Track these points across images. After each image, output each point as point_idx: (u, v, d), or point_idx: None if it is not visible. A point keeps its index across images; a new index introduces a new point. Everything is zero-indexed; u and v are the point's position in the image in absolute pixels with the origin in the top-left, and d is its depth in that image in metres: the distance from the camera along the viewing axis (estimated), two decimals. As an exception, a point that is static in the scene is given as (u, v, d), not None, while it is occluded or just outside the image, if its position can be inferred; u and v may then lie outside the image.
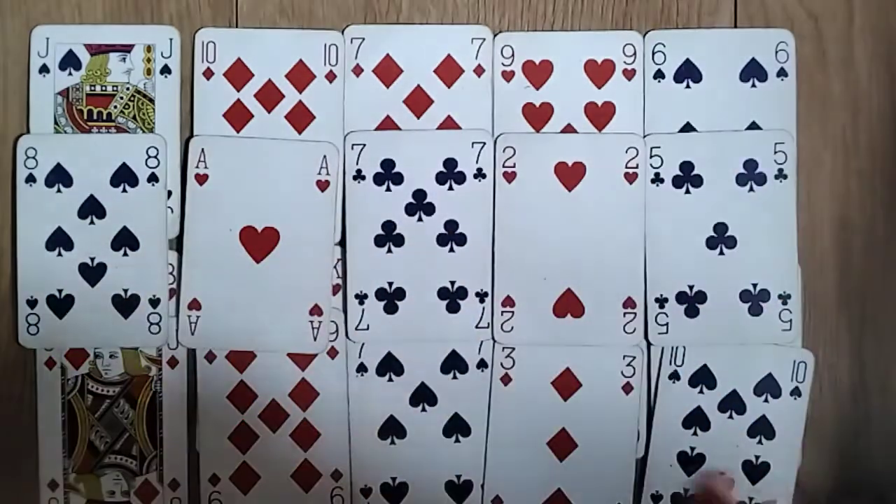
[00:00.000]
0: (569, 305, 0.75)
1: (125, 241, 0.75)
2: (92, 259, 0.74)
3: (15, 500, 0.76)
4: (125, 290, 0.75)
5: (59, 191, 0.74)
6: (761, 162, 0.75)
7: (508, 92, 0.76)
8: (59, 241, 0.74)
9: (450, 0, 0.77)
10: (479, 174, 0.75)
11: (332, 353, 0.75)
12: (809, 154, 0.77)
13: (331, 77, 0.76)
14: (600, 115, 0.76)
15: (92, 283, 0.75)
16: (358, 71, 0.76)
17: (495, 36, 0.76)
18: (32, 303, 0.74)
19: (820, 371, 0.77)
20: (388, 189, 0.75)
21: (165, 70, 0.76)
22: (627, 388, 0.76)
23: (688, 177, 0.75)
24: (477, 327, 0.75)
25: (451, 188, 0.75)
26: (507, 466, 0.76)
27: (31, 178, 0.74)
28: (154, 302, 0.75)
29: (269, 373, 0.76)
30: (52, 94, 0.75)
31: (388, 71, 0.76)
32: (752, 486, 0.76)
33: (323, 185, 0.75)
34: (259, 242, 0.75)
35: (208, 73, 0.76)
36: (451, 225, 0.75)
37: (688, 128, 0.76)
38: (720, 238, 0.75)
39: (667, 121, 0.76)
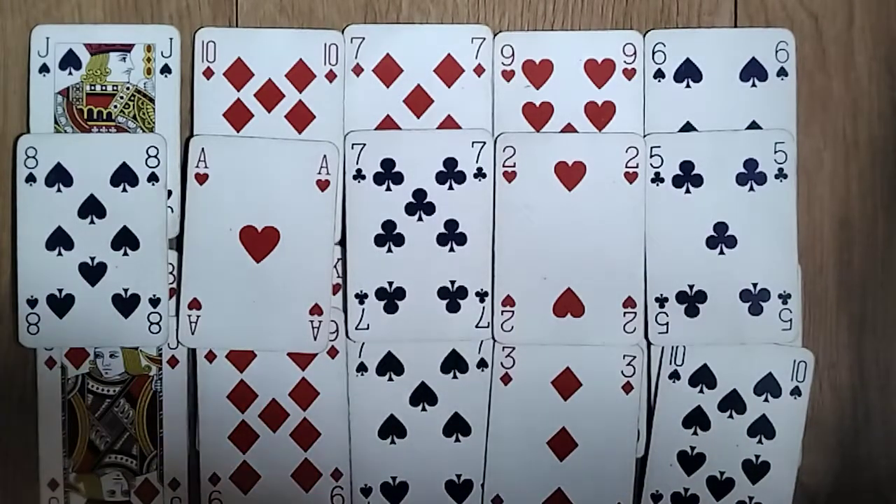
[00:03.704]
0: (569, 305, 0.75)
1: (125, 240, 0.75)
2: (92, 258, 0.74)
3: (15, 500, 0.76)
4: (125, 290, 0.75)
5: (59, 190, 0.74)
6: (761, 162, 0.75)
7: (508, 91, 0.76)
8: (60, 240, 0.74)
9: (450, 0, 0.77)
10: (480, 174, 0.75)
11: (332, 352, 0.75)
12: (809, 154, 0.77)
13: (331, 77, 0.76)
14: (600, 114, 0.76)
15: (92, 283, 0.75)
16: (358, 70, 0.76)
17: (495, 35, 0.76)
18: (32, 302, 0.74)
19: (820, 371, 0.77)
20: (389, 189, 0.75)
21: (165, 70, 0.76)
22: (627, 388, 0.76)
23: (688, 176, 0.75)
24: (477, 327, 0.75)
25: (451, 188, 0.75)
26: (507, 466, 0.76)
27: (31, 178, 0.74)
28: (154, 301, 0.75)
29: (269, 372, 0.76)
30: (53, 93, 0.75)
31: (388, 70, 0.76)
32: (752, 486, 0.76)
33: (323, 185, 0.75)
34: (259, 242, 0.75)
35: (208, 73, 0.76)
36: (451, 224, 0.75)
37: (688, 127, 0.76)
38: (720, 238, 0.75)
39: (667, 120, 0.76)
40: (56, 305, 0.74)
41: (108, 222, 0.75)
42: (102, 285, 0.75)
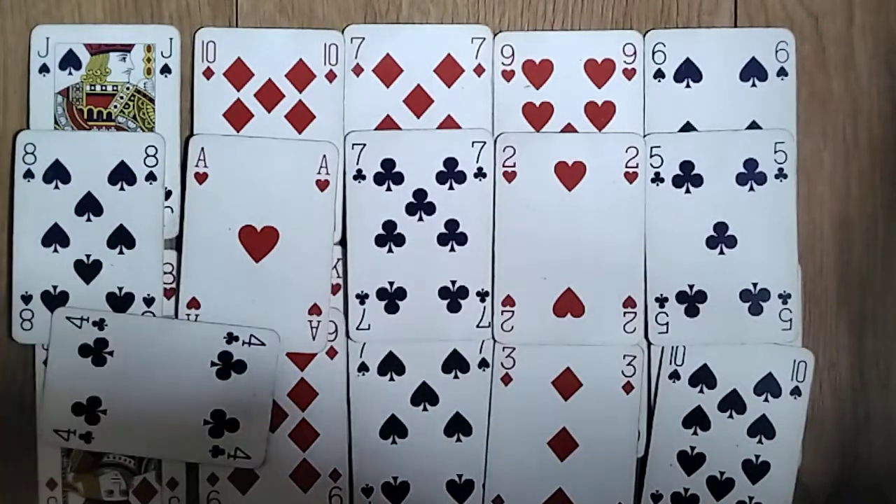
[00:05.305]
0: (569, 305, 0.75)
1: (121, 239, 0.74)
2: (87, 256, 0.74)
3: (14, 500, 0.76)
4: (120, 289, 0.74)
5: (56, 187, 0.74)
6: (761, 161, 0.75)
7: (508, 91, 0.76)
8: (56, 237, 0.74)
9: (450, 0, 0.77)
10: (480, 174, 0.75)
11: (332, 352, 0.75)
12: (809, 154, 0.77)
13: (331, 77, 0.76)
14: (600, 114, 0.76)
15: (87, 281, 0.74)
16: (358, 70, 0.76)
17: (495, 35, 0.76)
18: (27, 298, 0.74)
19: (820, 371, 0.77)
20: (389, 189, 0.75)
21: (165, 70, 0.76)
22: (628, 388, 0.76)
23: (688, 176, 0.76)
24: (478, 327, 0.75)
25: (451, 188, 0.75)
26: (508, 466, 0.76)
27: (29, 174, 0.74)
28: (148, 301, 0.74)
29: (268, 372, 0.75)
30: (53, 93, 0.75)
31: (388, 70, 0.76)
32: (752, 486, 0.76)
33: (323, 185, 0.75)
34: (258, 242, 0.75)
35: (208, 73, 0.76)
36: (451, 224, 0.75)
37: (688, 127, 0.76)
38: (720, 238, 0.75)
39: (667, 120, 0.76)
40: (50, 302, 0.74)
41: (105, 220, 0.74)
42: (97, 283, 0.74)
